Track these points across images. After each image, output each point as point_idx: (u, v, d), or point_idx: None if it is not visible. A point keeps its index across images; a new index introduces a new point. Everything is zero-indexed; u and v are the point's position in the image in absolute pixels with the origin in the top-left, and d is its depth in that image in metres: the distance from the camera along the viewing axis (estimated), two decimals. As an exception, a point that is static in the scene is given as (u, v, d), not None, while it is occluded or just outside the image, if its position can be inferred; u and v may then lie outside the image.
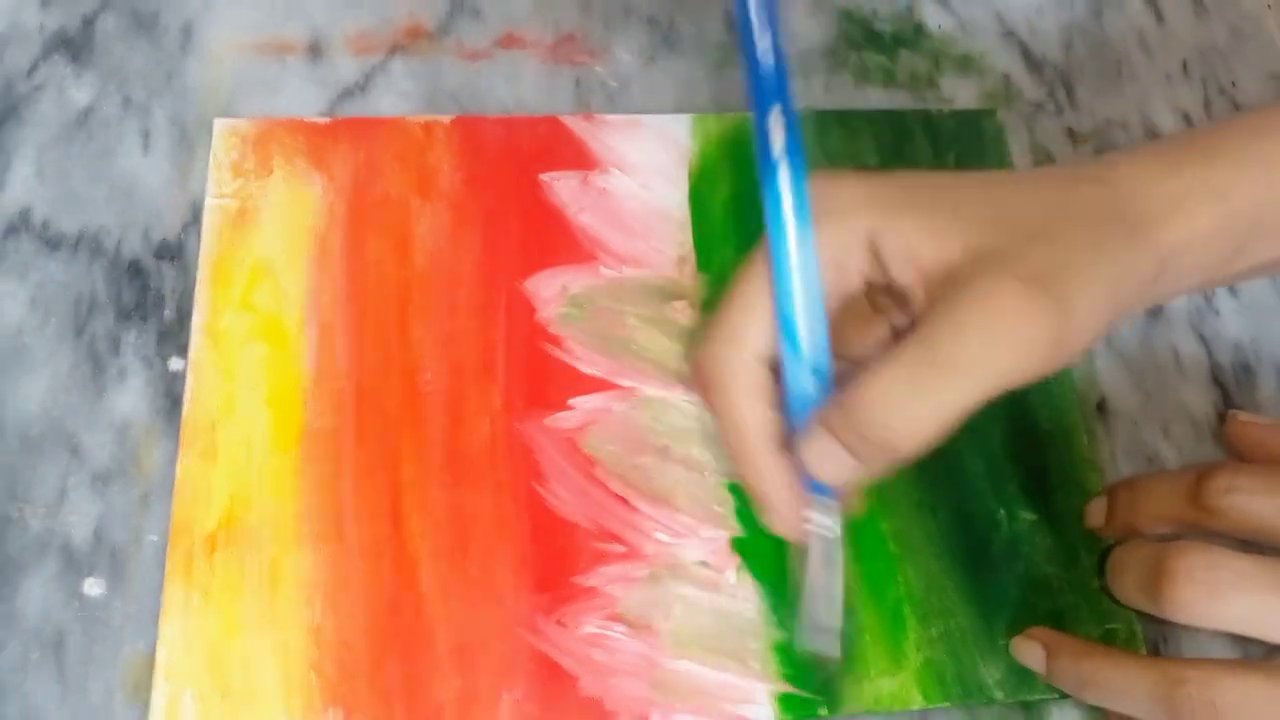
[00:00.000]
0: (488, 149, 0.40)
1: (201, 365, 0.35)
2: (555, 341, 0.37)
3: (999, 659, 0.34)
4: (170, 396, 0.35)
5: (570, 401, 0.36)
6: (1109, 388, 0.39)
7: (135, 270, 0.37)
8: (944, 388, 0.26)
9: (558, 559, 0.34)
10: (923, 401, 0.26)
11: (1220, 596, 0.29)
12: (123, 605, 0.32)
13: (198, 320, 0.36)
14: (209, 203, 0.38)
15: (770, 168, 0.29)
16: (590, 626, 0.33)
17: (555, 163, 0.40)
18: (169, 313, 0.36)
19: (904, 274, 0.28)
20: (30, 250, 0.37)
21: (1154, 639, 0.35)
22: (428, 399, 0.36)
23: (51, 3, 0.41)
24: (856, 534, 0.35)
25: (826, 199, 0.29)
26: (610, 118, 0.41)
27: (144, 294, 0.37)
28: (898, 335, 0.30)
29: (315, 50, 0.42)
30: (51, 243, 0.37)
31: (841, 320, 0.30)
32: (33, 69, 0.40)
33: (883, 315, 0.31)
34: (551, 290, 0.38)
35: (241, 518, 0.34)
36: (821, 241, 0.28)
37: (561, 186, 0.40)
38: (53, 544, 0.33)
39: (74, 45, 0.41)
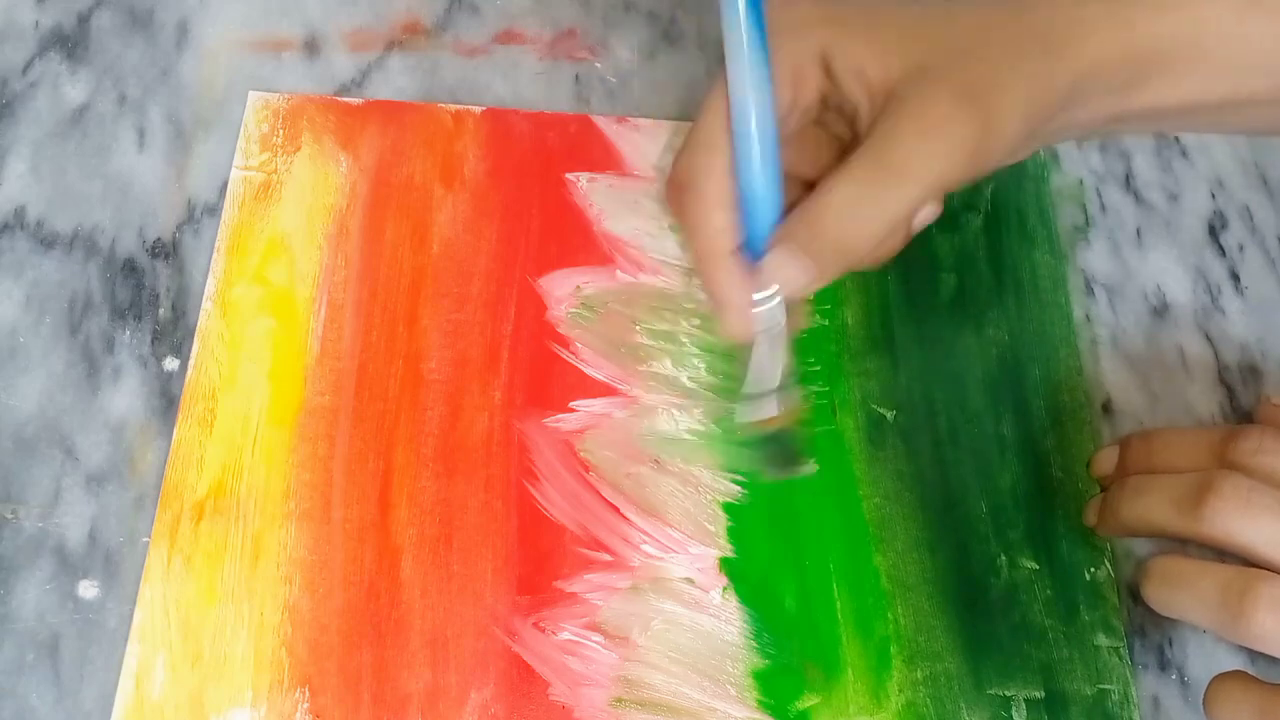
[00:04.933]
0: (515, 142, 0.40)
1: (208, 334, 0.36)
2: (563, 342, 0.37)
3: (984, 708, 0.33)
4: (165, 396, 0.35)
5: (572, 404, 0.36)
6: (1115, 388, 0.38)
7: (130, 269, 0.37)
8: (889, 192, 0.29)
9: (542, 561, 0.34)
10: (872, 206, 0.29)
11: (1255, 514, 0.30)
12: (117, 608, 0.32)
13: (210, 288, 0.36)
14: (234, 174, 0.38)
15: None
16: (567, 633, 0.33)
17: (583, 163, 0.40)
18: (164, 312, 0.36)
19: (853, 89, 0.30)
20: (25, 249, 0.37)
21: (1160, 643, 0.34)
22: (429, 387, 0.36)
23: (47, 0, 0.41)
24: (849, 567, 0.34)
25: (785, 17, 0.30)
26: (642, 122, 0.41)
27: (139, 293, 0.36)
28: (844, 153, 0.32)
29: (311, 47, 0.41)
30: (46, 241, 0.37)
31: (796, 143, 0.32)
32: (28, 66, 0.40)
33: (832, 136, 0.33)
34: (564, 290, 0.38)
35: (231, 488, 0.34)
36: (780, 57, 0.30)
37: (586, 187, 0.39)
38: (47, 545, 0.33)
39: (69, 42, 0.40)
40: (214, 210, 0.38)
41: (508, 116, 0.40)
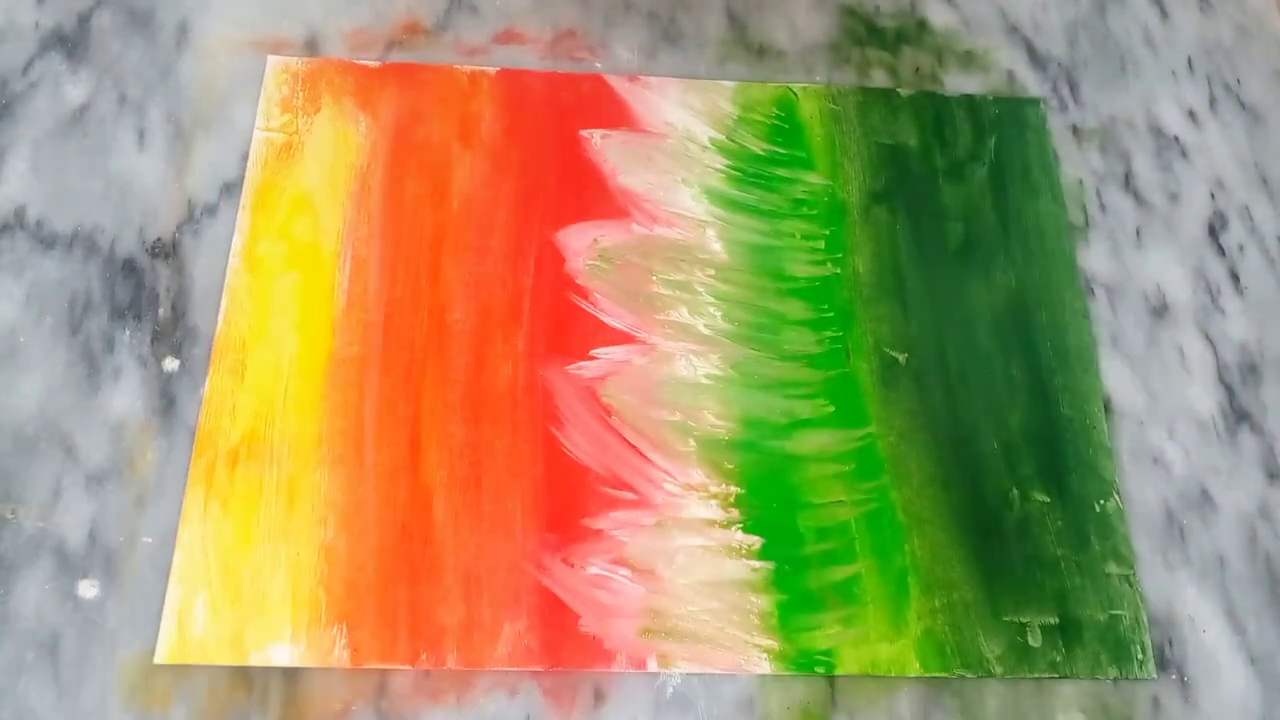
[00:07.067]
0: (530, 101, 0.41)
1: (236, 289, 0.36)
2: (582, 293, 0.38)
3: (1000, 634, 0.34)
4: (165, 396, 0.35)
5: (592, 351, 0.37)
6: (1115, 387, 0.39)
7: (130, 269, 0.37)
8: None
9: (569, 500, 0.35)
10: None
11: None
12: (117, 607, 0.32)
13: (236, 244, 0.37)
14: (256, 135, 0.39)
15: None
16: (595, 568, 0.34)
17: (596, 120, 0.41)
18: (163, 311, 0.36)
19: None
20: (25, 248, 0.37)
21: (1160, 644, 0.35)
22: (454, 337, 0.36)
23: (47, 0, 0.41)
24: (866, 503, 0.35)
25: None
26: (654, 79, 0.42)
27: (138, 293, 0.37)
28: None
29: (312, 47, 0.41)
30: (46, 241, 0.37)
31: None
32: (28, 66, 0.40)
33: None
34: (582, 243, 0.39)
35: (264, 435, 0.34)
36: None
37: (600, 143, 0.40)
38: (47, 545, 0.33)
39: (69, 42, 0.41)
40: (214, 210, 0.38)
41: (522, 77, 0.41)
